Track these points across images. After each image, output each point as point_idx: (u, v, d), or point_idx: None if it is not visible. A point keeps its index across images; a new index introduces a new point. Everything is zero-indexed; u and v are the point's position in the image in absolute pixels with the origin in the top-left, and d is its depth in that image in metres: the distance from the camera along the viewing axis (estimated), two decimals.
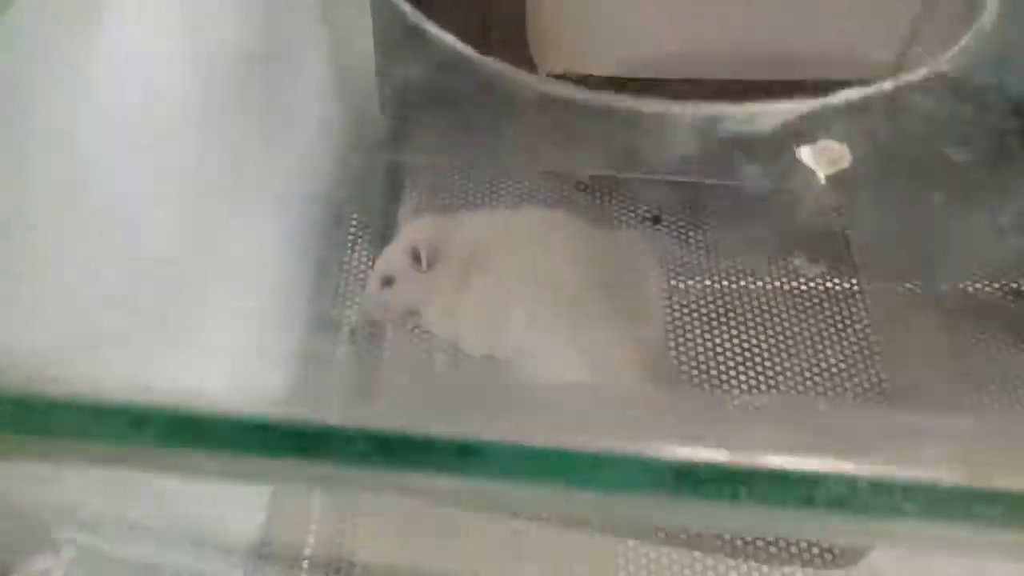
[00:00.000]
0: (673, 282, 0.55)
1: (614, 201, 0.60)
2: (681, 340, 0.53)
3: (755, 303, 0.55)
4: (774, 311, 0.54)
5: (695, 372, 0.51)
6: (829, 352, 0.52)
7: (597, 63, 0.63)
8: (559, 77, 0.64)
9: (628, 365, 0.45)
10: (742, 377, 0.51)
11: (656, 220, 0.58)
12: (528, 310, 0.46)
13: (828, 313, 0.54)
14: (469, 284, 0.47)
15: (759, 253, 0.56)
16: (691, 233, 0.58)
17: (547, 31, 0.63)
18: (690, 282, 0.55)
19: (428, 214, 0.56)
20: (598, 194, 0.60)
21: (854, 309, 0.55)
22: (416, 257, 0.47)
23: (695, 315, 0.53)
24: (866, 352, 0.52)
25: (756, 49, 0.59)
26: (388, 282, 0.49)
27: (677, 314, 0.53)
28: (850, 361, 0.52)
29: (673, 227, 0.58)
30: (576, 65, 0.64)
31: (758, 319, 0.53)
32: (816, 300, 0.55)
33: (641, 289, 0.48)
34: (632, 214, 0.59)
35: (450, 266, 0.47)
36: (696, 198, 0.59)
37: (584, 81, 0.63)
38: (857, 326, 0.54)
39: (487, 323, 0.48)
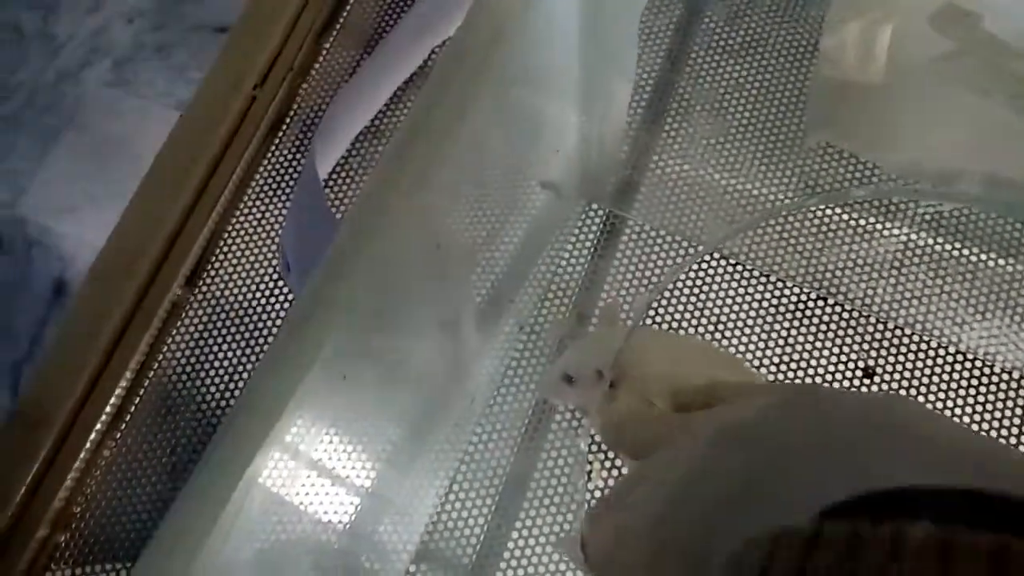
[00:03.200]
0: None
1: (820, 334, 0.55)
2: None
3: None
4: None
5: None
6: None
7: (878, 152, 0.57)
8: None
9: None
10: None
11: (869, 375, 0.53)
12: None
13: None
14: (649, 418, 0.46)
15: None
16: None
17: (831, 100, 0.57)
18: None
19: (625, 313, 0.56)
20: (801, 316, 0.55)
21: None
22: (601, 375, 0.47)
23: None
24: None
25: None
26: (569, 381, 0.50)
27: None
28: None
29: (887, 386, 0.53)
30: (853, 146, 0.57)
31: None
32: None
33: None
34: (838, 359, 0.54)
35: (634, 393, 0.47)
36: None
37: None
38: None
39: None
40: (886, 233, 0.56)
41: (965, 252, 0.55)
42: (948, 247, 0.55)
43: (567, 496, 0.54)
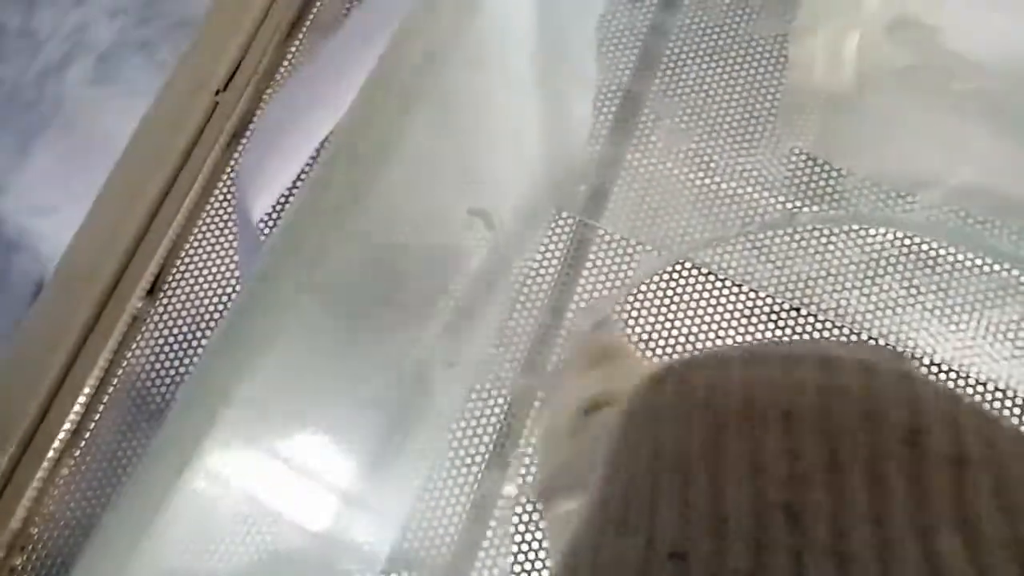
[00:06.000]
0: None
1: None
2: None
3: None
4: None
5: None
6: None
7: (849, 159, 0.55)
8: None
9: None
10: None
11: None
12: None
13: None
14: None
15: None
16: None
17: (803, 108, 0.55)
18: None
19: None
20: (774, 327, 0.54)
21: None
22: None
23: None
24: None
25: None
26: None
27: None
28: None
29: None
30: (824, 153, 0.56)
31: None
32: None
33: None
34: None
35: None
36: None
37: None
38: None
39: None
40: (859, 241, 0.54)
41: (940, 261, 0.54)
42: (922, 255, 0.54)
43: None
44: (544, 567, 0.51)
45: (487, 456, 0.55)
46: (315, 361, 0.41)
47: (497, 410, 0.56)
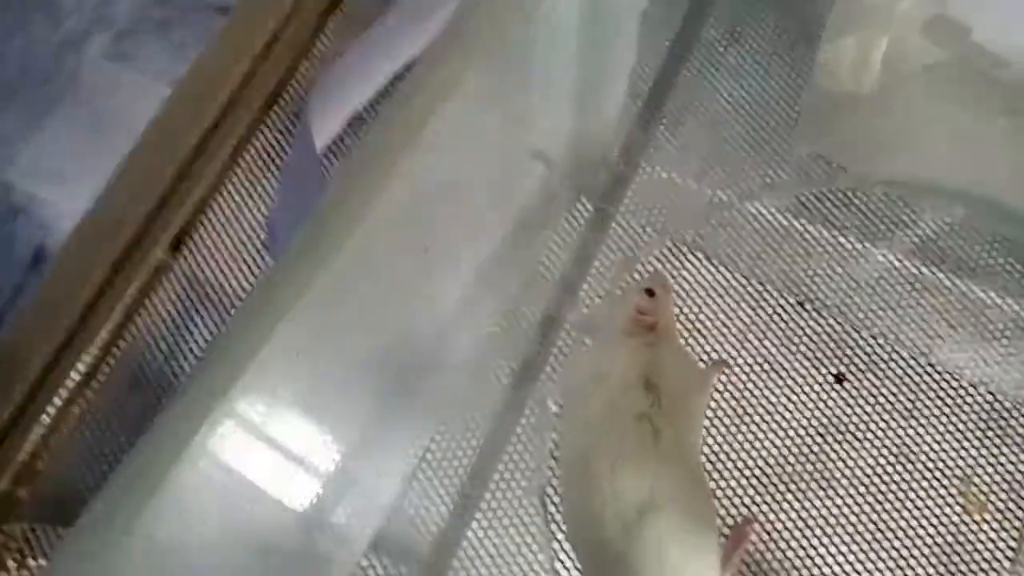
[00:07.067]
0: None
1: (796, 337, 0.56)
2: None
3: None
4: None
5: None
6: None
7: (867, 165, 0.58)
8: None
9: None
10: None
11: (839, 380, 0.54)
12: None
13: None
14: None
15: None
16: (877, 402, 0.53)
17: (823, 112, 0.58)
18: None
19: None
20: (779, 320, 0.56)
21: None
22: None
23: None
24: None
25: None
26: (651, 294, 0.49)
27: None
28: None
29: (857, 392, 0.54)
30: (843, 157, 0.58)
31: None
32: None
33: None
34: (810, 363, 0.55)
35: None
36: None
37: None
38: None
39: None
40: (869, 257, 0.57)
41: (941, 275, 0.56)
42: (926, 270, 0.56)
43: (529, 488, 0.54)
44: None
45: (481, 441, 0.55)
46: (333, 322, 0.42)
47: (495, 394, 0.57)
